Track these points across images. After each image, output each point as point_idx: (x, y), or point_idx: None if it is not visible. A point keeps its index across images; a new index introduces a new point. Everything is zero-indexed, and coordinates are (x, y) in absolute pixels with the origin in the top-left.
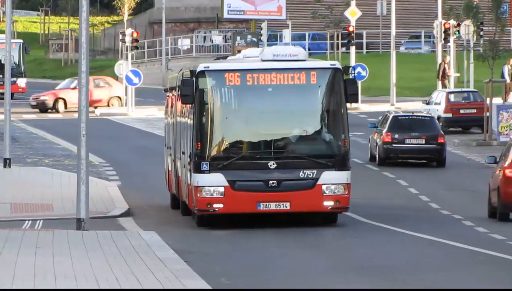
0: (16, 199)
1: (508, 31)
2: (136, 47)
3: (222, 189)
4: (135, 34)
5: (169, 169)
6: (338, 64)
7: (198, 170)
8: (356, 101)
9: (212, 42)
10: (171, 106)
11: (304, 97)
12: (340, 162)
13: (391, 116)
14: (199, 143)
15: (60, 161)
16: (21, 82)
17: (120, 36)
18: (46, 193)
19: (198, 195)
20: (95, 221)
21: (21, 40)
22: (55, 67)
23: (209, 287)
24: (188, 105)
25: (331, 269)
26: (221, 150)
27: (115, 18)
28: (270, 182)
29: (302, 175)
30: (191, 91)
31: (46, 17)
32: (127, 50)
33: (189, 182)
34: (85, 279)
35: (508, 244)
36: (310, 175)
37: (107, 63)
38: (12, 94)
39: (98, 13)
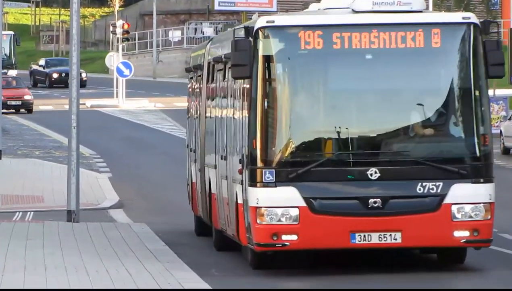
0: (7, 191)
1: (499, 23)
2: (127, 39)
3: (295, 212)
4: (126, 26)
5: (193, 180)
6: (474, 18)
7: (257, 181)
8: (501, 74)
9: (203, 34)
10: (199, 92)
11: (422, 70)
12: (478, 169)
13: None
14: (259, 141)
15: (50, 152)
16: (12, 74)
17: (111, 28)
18: (36, 185)
19: (257, 220)
20: (86, 212)
21: (12, 32)
22: None
23: (201, 279)
24: (240, 83)
25: None
26: (294, 151)
27: (106, 9)
28: (371, 200)
29: (420, 189)
30: (246, 59)
31: (37, 8)
32: (118, 42)
33: (238, 200)
34: (75, 271)
35: None
36: (432, 189)
37: (98, 55)
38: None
39: (89, 4)
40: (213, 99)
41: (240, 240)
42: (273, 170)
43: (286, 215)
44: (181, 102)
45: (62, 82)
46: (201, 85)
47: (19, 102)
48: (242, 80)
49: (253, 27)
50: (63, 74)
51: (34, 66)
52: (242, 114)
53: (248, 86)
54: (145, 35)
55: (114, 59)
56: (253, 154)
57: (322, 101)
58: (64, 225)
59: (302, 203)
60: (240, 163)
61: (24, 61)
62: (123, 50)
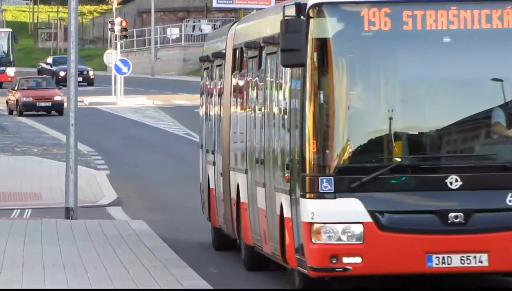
0: (5, 188)
1: None
2: (125, 36)
3: (359, 228)
4: (124, 23)
5: (211, 186)
6: None
7: (311, 192)
8: None
9: (201, 31)
10: (220, 85)
11: (511, 56)
12: None
13: None
14: (314, 142)
15: (49, 150)
16: (10, 71)
17: (109, 25)
18: (35, 182)
19: (312, 239)
20: (84, 210)
21: (10, 29)
22: (44, 56)
23: (199, 276)
24: (285, 73)
25: None
26: (357, 154)
27: (104, 7)
28: (451, 214)
29: (511, 201)
30: (299, 42)
31: (35, 6)
32: (116, 39)
33: (283, 214)
34: (74, 268)
35: None
36: None
37: (96, 52)
38: (1, 83)
39: (87, 2)
40: (241, 93)
41: (286, 262)
42: (331, 178)
43: (347, 233)
44: (179, 100)
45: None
46: (223, 76)
47: (49, 104)
48: (288, 69)
49: (305, 4)
50: None
51: (42, 64)
52: (289, 110)
53: (297, 76)
54: (143, 33)
55: (112, 57)
56: (306, 158)
57: (390, 94)
58: (62, 222)
59: (367, 218)
60: (287, 168)
61: (22, 58)
62: (121, 47)
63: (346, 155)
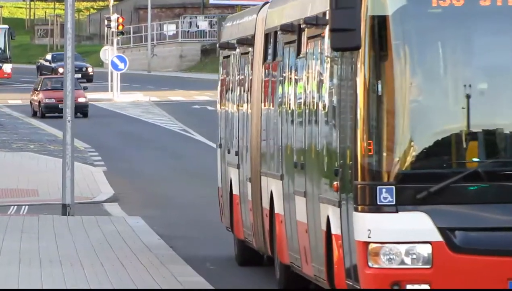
0: (1, 184)
1: None
2: (122, 33)
3: (427, 249)
4: (120, 20)
5: (235, 192)
6: None
7: (368, 204)
8: None
9: (198, 27)
10: (246, 75)
11: None
12: None
13: None
14: (369, 143)
15: (45, 146)
16: (7, 68)
17: (106, 22)
18: (31, 178)
19: (369, 262)
20: (81, 206)
21: (6, 26)
22: (40, 52)
23: (195, 272)
24: (332, 59)
25: None
26: (424, 158)
27: (101, 3)
28: None
29: None
30: (353, 21)
31: (32, 2)
32: (112, 36)
33: (330, 229)
34: (70, 265)
35: None
36: None
37: (93, 48)
38: None
39: None
40: (275, 84)
41: (334, 287)
42: (393, 187)
43: (412, 255)
44: (176, 96)
45: None
46: (251, 66)
47: None
48: (337, 54)
49: None
50: None
51: (41, 61)
52: (337, 104)
53: (348, 62)
54: (140, 29)
55: (109, 53)
56: (360, 162)
57: (464, 85)
58: (59, 218)
59: (437, 237)
60: (336, 174)
61: (19, 55)
62: (118, 44)
63: (410, 159)
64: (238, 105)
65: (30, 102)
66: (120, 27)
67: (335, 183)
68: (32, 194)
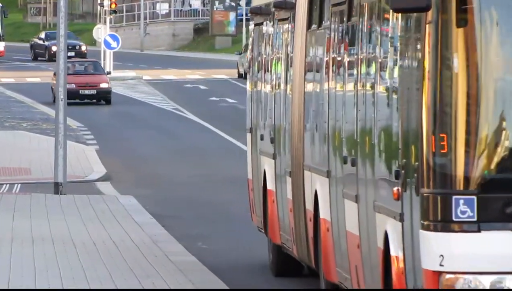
0: None
1: None
2: (115, 11)
3: None
4: None
5: (270, 187)
6: None
7: (440, 220)
8: None
9: (191, 6)
10: (286, 47)
11: None
12: None
13: None
14: (442, 137)
15: (38, 124)
16: (0, 46)
17: (99, 0)
18: (24, 157)
19: None
20: (73, 185)
21: None
22: (33, 31)
23: (188, 252)
24: (395, 27)
25: None
26: None
27: None
28: None
29: None
30: None
31: None
32: (105, 14)
33: (389, 250)
34: (63, 243)
35: None
36: None
37: (85, 27)
38: None
39: None
40: (322, 58)
41: None
42: (473, 197)
43: (501, 289)
44: (168, 75)
45: None
46: (290, 35)
47: (93, 91)
48: (399, 17)
49: None
50: None
51: (35, 40)
52: (399, 85)
53: (413, 29)
54: (133, 8)
55: (101, 32)
56: (429, 164)
57: None
58: (51, 197)
59: None
60: (396, 177)
61: (11, 33)
62: (110, 22)
63: (498, 159)
64: (275, 83)
65: (51, 88)
66: (113, 6)
67: (395, 188)
68: (25, 172)
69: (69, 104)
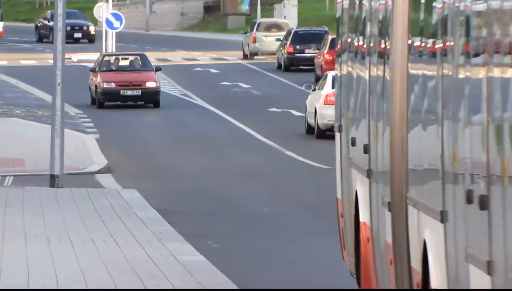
0: None
1: None
2: None
3: None
4: None
5: (363, 219)
6: None
7: None
8: None
9: None
10: (387, 22)
11: None
12: None
13: None
14: None
15: (33, 111)
16: None
17: None
18: (17, 147)
19: None
20: (71, 177)
21: None
22: (29, 9)
23: (196, 251)
24: None
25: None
26: None
27: None
28: None
29: None
30: None
31: None
32: None
33: None
34: (58, 241)
35: None
36: None
37: (86, 5)
38: None
39: None
40: (435, 34)
41: None
42: None
43: None
44: (176, 57)
45: (67, 37)
46: (391, 5)
47: (137, 92)
48: None
49: None
50: (68, 28)
51: (41, 20)
52: None
53: None
54: None
55: (103, 10)
56: None
57: None
58: (46, 190)
59: None
60: None
61: (5, 12)
62: (113, 0)
63: None
64: (370, 68)
65: (89, 87)
66: None
67: None
68: (18, 163)
69: (109, 106)
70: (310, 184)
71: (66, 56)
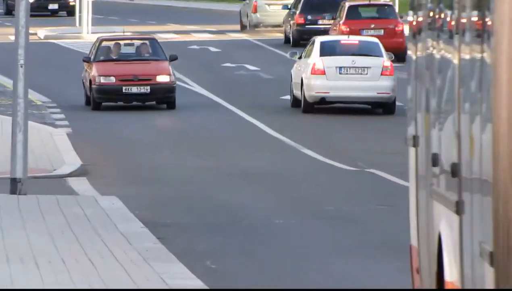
0: None
1: None
2: None
3: None
4: None
5: (451, 278)
6: None
7: None
8: None
9: None
10: None
11: None
12: None
13: None
14: None
15: None
16: None
17: None
18: None
19: None
20: (36, 181)
21: None
22: None
23: (192, 274)
24: None
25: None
26: None
27: None
28: None
29: None
30: None
31: None
32: None
33: None
34: (20, 261)
35: None
36: None
37: None
38: None
39: None
40: None
41: None
42: None
43: None
44: (167, 33)
45: (40, 9)
46: None
47: (145, 89)
48: None
49: None
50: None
51: None
52: None
53: None
54: None
55: None
56: None
57: None
58: (6, 198)
59: None
60: None
61: None
62: None
63: None
64: (460, 55)
65: (82, 82)
66: None
67: None
68: None
69: (110, 107)
70: (333, 191)
71: (31, 31)
